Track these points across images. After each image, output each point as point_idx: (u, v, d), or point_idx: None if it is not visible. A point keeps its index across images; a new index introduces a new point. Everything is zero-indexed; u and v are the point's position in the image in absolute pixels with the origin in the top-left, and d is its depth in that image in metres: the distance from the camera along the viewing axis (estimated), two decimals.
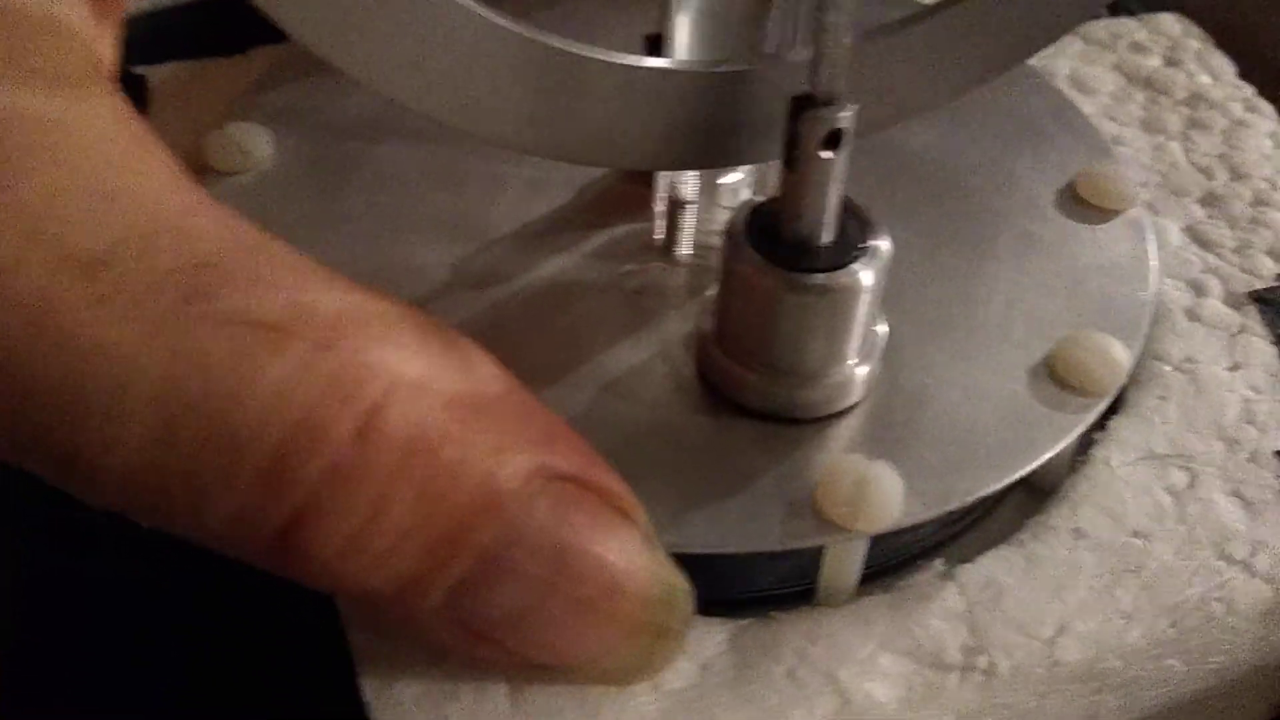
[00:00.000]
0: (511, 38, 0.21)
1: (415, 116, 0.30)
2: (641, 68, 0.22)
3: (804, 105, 0.21)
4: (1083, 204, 0.29)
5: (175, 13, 0.36)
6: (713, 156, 0.24)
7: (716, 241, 0.27)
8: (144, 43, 0.34)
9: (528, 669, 0.22)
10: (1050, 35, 0.26)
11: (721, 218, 0.27)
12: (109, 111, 0.19)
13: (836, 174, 0.22)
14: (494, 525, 0.19)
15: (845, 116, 0.21)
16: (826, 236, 0.23)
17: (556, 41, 0.21)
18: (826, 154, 0.22)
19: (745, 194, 0.28)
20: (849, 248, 0.23)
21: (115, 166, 0.18)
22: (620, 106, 0.22)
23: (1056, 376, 0.26)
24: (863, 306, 0.23)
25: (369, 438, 0.18)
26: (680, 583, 0.22)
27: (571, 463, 0.20)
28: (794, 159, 0.22)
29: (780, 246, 0.23)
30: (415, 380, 0.19)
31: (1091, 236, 0.29)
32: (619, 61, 0.22)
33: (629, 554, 0.21)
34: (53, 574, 0.24)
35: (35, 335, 0.17)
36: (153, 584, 0.24)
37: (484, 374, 0.20)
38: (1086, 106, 0.33)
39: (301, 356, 0.18)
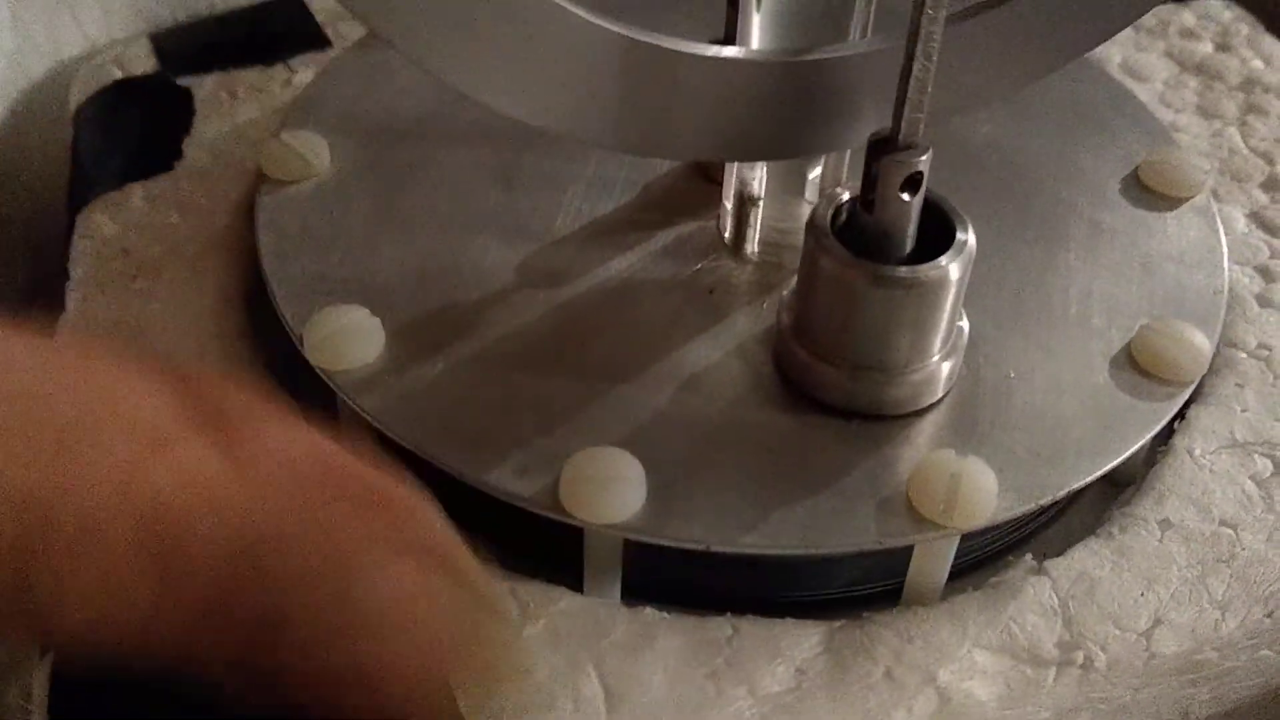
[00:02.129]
0: (608, 37, 0.21)
1: (468, 118, 0.30)
2: (734, 60, 0.22)
3: (883, 148, 0.21)
4: (1149, 192, 0.29)
5: (213, 23, 0.36)
6: (794, 147, 0.24)
7: (784, 239, 0.27)
8: (185, 54, 0.34)
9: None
10: (1118, 24, 0.25)
11: (790, 215, 0.27)
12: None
13: (915, 210, 0.22)
14: (218, 544, 0.16)
15: (924, 161, 0.21)
16: (911, 234, 0.23)
17: (650, 38, 0.21)
18: (905, 197, 0.22)
19: (812, 194, 0.27)
20: (934, 239, 0.23)
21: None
22: (711, 99, 0.22)
23: (1138, 365, 0.25)
24: (949, 300, 0.23)
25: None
26: (480, 579, 0.19)
27: (332, 467, 0.18)
28: (872, 201, 0.22)
29: (865, 238, 0.23)
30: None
31: (1160, 224, 0.28)
32: (714, 54, 0.22)
33: (401, 561, 0.18)
34: None
35: None
36: None
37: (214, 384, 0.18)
38: (1141, 94, 0.33)
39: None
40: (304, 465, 0.18)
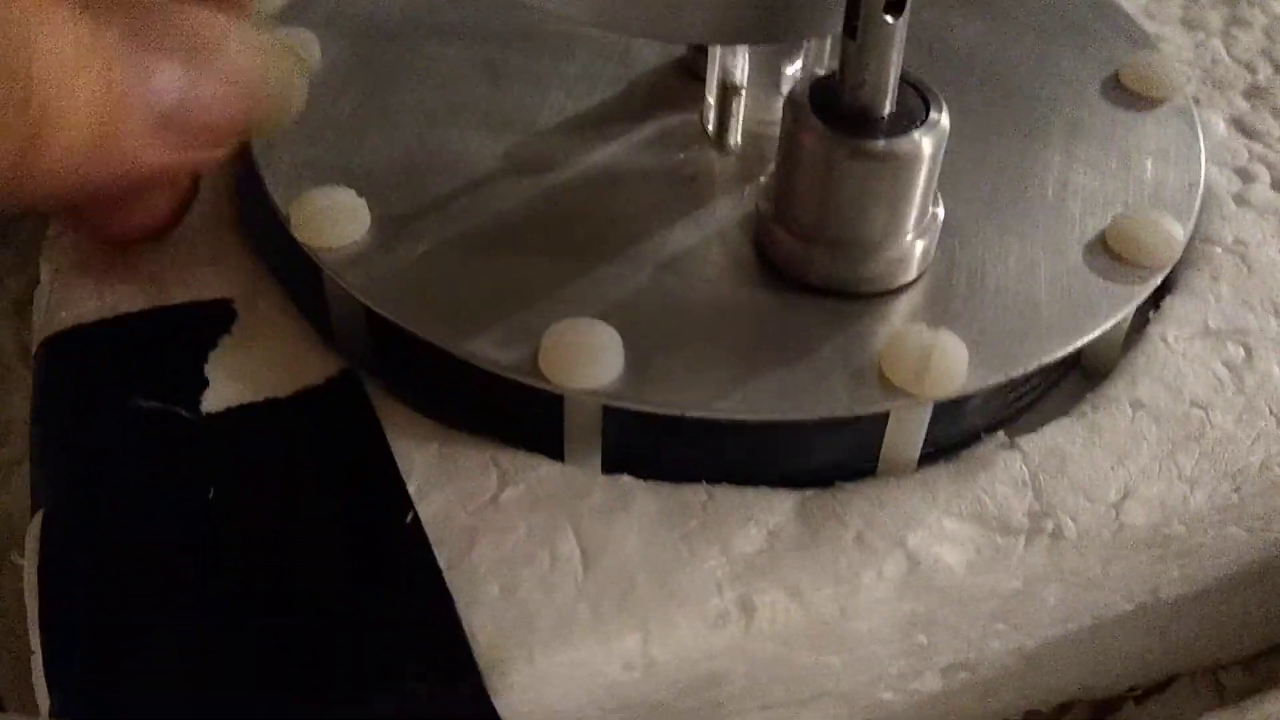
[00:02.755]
0: None
1: (456, 17, 0.30)
2: None
3: None
4: (1128, 93, 0.29)
5: None
6: (774, 28, 0.24)
7: (765, 131, 0.27)
8: None
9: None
10: None
11: (772, 109, 0.27)
12: None
13: (897, 40, 0.22)
14: None
15: None
16: (887, 107, 0.23)
17: None
18: (889, 18, 0.22)
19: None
20: (909, 118, 0.23)
21: None
22: None
23: (1112, 251, 0.26)
24: (923, 175, 0.23)
25: None
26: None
27: None
28: (856, 26, 0.22)
29: (842, 115, 0.23)
30: None
31: (1139, 122, 0.29)
32: None
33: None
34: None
35: None
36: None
37: None
38: (1126, 6, 0.33)
39: None
40: None
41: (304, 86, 0.25)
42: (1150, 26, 0.33)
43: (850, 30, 0.22)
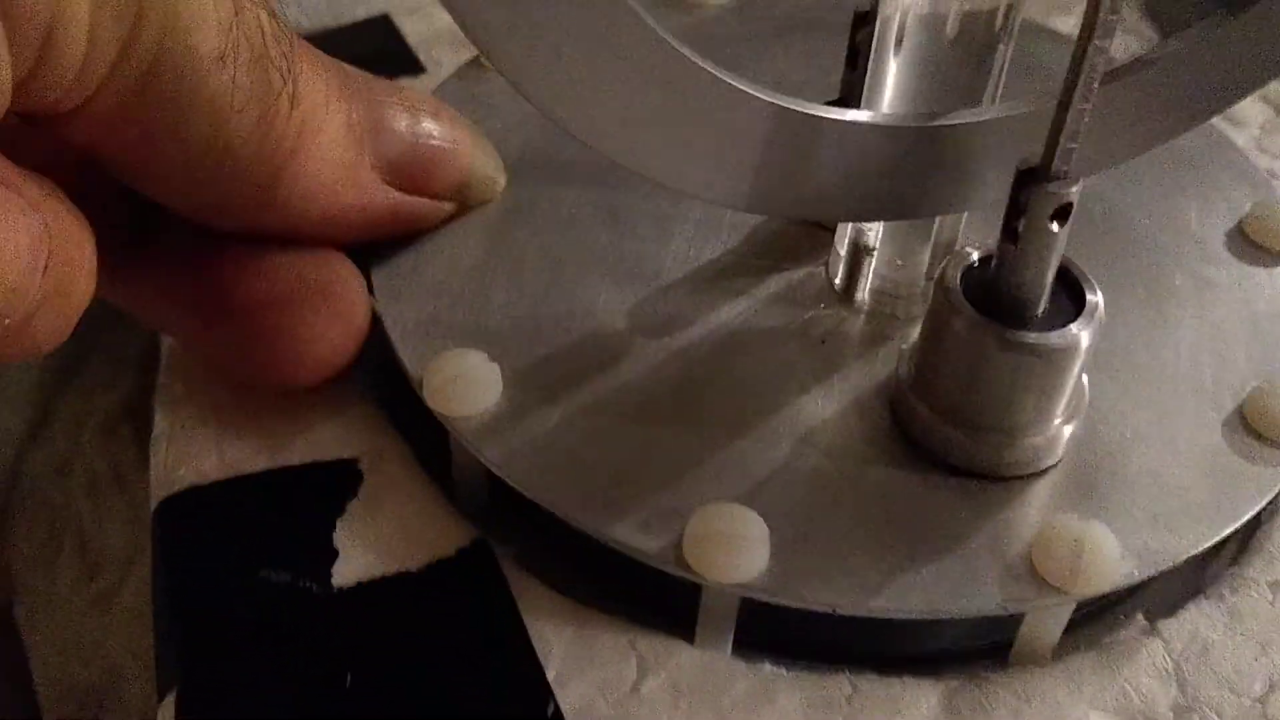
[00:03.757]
0: (756, 104, 0.21)
1: (571, 154, 0.30)
2: (879, 126, 0.22)
3: (1032, 178, 0.21)
4: (1253, 245, 0.29)
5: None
6: (921, 207, 0.24)
7: (895, 289, 0.27)
8: None
9: None
10: (1248, 88, 0.25)
11: (903, 265, 0.27)
12: None
13: (1059, 245, 0.22)
14: None
15: (1075, 192, 0.21)
16: (1044, 299, 0.23)
17: (795, 104, 0.21)
18: (1054, 228, 0.22)
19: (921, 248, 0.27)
20: (1064, 306, 0.23)
21: None
22: (847, 164, 0.22)
23: (1252, 429, 0.25)
24: (1077, 366, 0.23)
25: None
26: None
27: None
28: (1018, 231, 0.22)
29: (995, 301, 0.23)
30: None
31: (1267, 279, 0.28)
32: (853, 119, 0.22)
33: None
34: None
35: None
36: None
37: None
38: (1238, 139, 0.33)
39: None
40: None
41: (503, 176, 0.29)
42: (1264, 161, 0.33)
43: (1010, 235, 0.22)
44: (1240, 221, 0.29)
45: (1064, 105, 0.20)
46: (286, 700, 0.23)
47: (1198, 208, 0.30)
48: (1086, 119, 0.21)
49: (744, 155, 0.22)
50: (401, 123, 0.26)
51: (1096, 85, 0.20)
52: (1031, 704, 0.23)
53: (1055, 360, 0.23)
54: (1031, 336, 0.22)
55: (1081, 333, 0.23)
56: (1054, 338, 0.22)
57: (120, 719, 0.28)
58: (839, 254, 0.27)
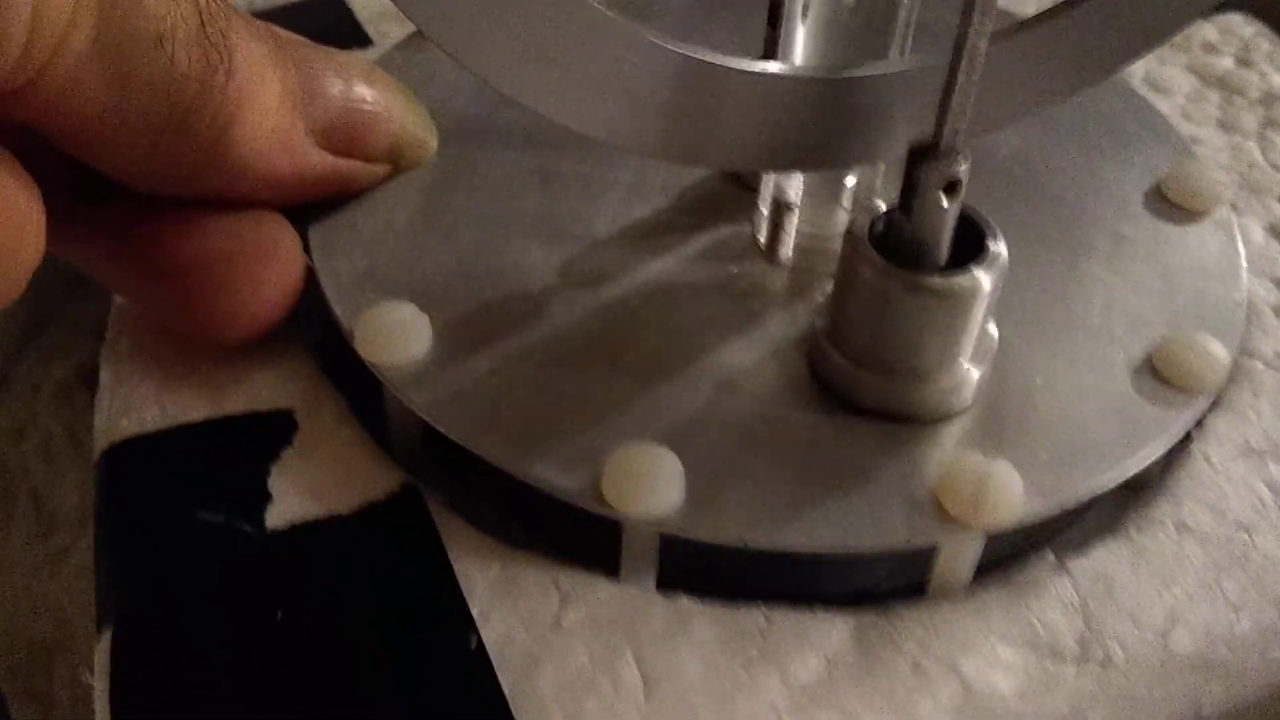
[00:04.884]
0: (658, 51, 0.22)
1: (508, 121, 0.31)
2: (784, 76, 0.23)
3: (923, 155, 0.22)
4: (1170, 205, 0.30)
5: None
6: (833, 158, 0.25)
7: (817, 246, 0.28)
8: None
9: None
10: (1152, 43, 0.26)
11: (824, 223, 0.28)
12: None
13: (952, 214, 0.23)
14: None
15: (964, 168, 0.22)
16: (946, 254, 0.24)
17: (699, 53, 0.22)
18: (944, 202, 0.23)
19: (846, 202, 0.28)
20: (969, 252, 0.24)
21: None
22: (757, 114, 0.23)
23: (1159, 375, 0.26)
24: (981, 308, 0.24)
25: None
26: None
27: None
28: (912, 206, 0.23)
29: (900, 248, 0.24)
30: None
31: (1181, 237, 0.29)
32: (761, 70, 0.23)
33: None
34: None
35: None
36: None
37: None
38: (1162, 107, 0.33)
39: None
40: None
41: (435, 139, 0.30)
42: (1188, 128, 0.33)
43: (905, 206, 0.23)
44: (1159, 182, 0.30)
45: (949, 88, 0.21)
46: (220, 636, 0.24)
47: (1116, 169, 0.31)
48: (972, 99, 0.21)
49: (653, 102, 0.22)
50: (334, 88, 0.27)
51: (980, 65, 0.21)
52: (939, 636, 0.24)
53: (958, 303, 0.23)
54: (934, 280, 0.23)
55: (982, 275, 0.23)
56: (956, 281, 0.23)
57: (69, 669, 0.29)
58: (762, 212, 0.28)
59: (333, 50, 0.28)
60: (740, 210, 0.29)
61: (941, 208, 0.23)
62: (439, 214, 0.29)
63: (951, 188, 0.22)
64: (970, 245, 0.24)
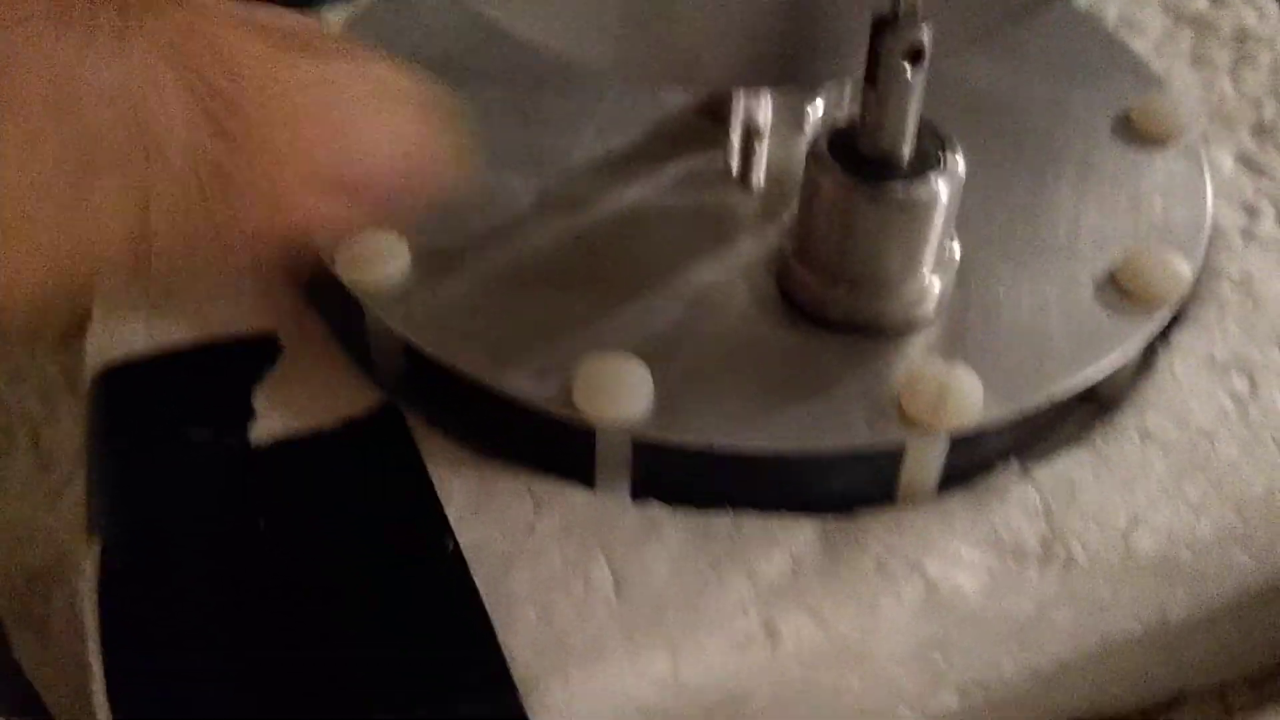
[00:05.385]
0: None
1: (490, 60, 0.32)
2: None
3: (886, 24, 0.23)
4: (1138, 134, 0.30)
5: None
6: (794, 74, 0.26)
7: (787, 172, 0.29)
8: None
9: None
10: None
11: (794, 150, 0.29)
12: None
13: (916, 88, 0.23)
14: None
15: (925, 33, 0.23)
16: (905, 152, 0.24)
17: None
18: (907, 68, 0.23)
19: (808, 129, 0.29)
20: (926, 163, 0.24)
21: None
22: (711, 25, 0.24)
23: (1122, 288, 0.27)
24: (939, 219, 0.24)
25: None
26: None
27: None
28: (876, 74, 0.23)
29: (861, 161, 0.24)
30: None
31: (1148, 162, 0.30)
32: None
33: None
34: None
35: None
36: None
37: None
38: (1137, 45, 0.34)
39: None
40: None
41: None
42: (1159, 64, 0.34)
43: (870, 78, 0.23)
44: (1127, 111, 0.31)
45: None
46: (206, 545, 0.24)
47: (1086, 100, 0.31)
48: None
49: (609, 13, 0.23)
50: (349, 140, 0.23)
51: None
52: (904, 538, 0.24)
53: (917, 211, 0.24)
54: (894, 188, 0.24)
55: (941, 184, 0.24)
56: (914, 189, 0.24)
57: (65, 596, 0.30)
58: (733, 140, 0.29)
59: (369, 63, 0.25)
60: (714, 141, 0.30)
61: (906, 79, 0.23)
62: None
63: (914, 57, 0.23)
64: (930, 161, 0.25)
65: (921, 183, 0.24)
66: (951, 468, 0.26)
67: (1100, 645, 0.27)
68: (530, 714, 0.22)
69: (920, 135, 0.24)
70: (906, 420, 0.24)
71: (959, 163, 0.24)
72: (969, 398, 0.24)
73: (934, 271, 0.25)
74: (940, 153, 0.24)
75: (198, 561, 0.24)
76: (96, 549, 0.24)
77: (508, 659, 0.23)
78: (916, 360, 0.25)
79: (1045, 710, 0.29)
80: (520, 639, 0.23)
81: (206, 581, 0.24)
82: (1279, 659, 0.30)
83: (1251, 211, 0.30)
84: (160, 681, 0.23)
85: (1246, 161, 0.32)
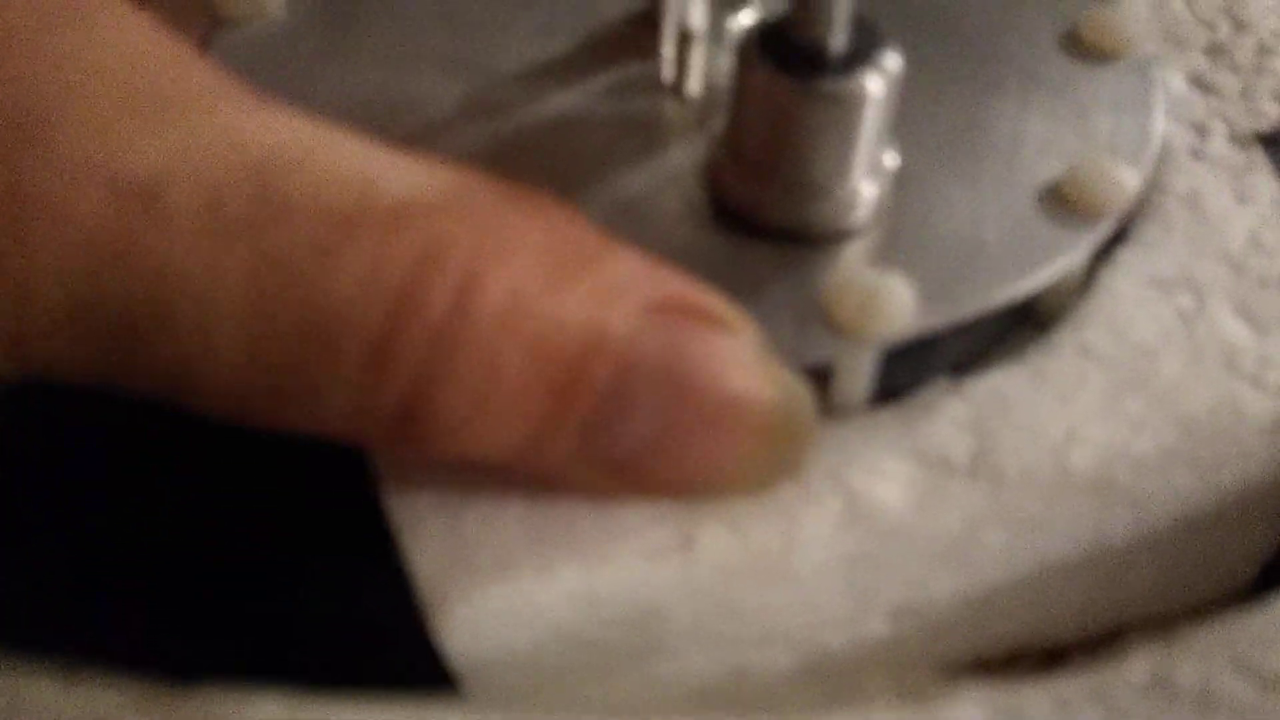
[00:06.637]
0: None
1: None
2: None
3: None
4: (1087, 46, 0.29)
5: None
6: None
7: (723, 82, 0.28)
8: None
9: (671, 495, 0.22)
10: None
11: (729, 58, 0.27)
12: (130, 21, 0.19)
13: (841, 20, 0.22)
14: (607, 364, 0.20)
15: None
16: (836, 46, 0.23)
17: None
18: None
19: None
20: (858, 59, 0.23)
21: (151, 78, 0.19)
22: None
23: (1065, 199, 0.26)
24: (871, 117, 0.23)
25: (466, 305, 0.19)
26: (797, 384, 0.22)
27: (672, 291, 0.21)
28: None
29: (791, 57, 0.23)
30: (499, 241, 0.19)
31: (1096, 76, 0.29)
32: None
33: (743, 367, 0.21)
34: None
35: (109, 265, 0.17)
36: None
37: (563, 223, 0.21)
38: None
39: (378, 239, 0.18)
40: None
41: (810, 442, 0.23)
42: None
43: None
44: (1075, 23, 0.30)
45: None
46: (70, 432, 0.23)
47: (1031, 13, 0.30)
48: None
49: None
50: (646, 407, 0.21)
51: None
52: (825, 450, 0.24)
53: (848, 107, 0.23)
54: (824, 84, 0.23)
55: (871, 80, 0.23)
56: (845, 84, 0.23)
57: None
58: (666, 45, 0.28)
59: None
60: (650, 50, 0.29)
61: None
62: (342, 52, 0.28)
63: None
64: (863, 57, 0.24)
65: (852, 77, 0.23)
66: (883, 386, 0.25)
67: (1036, 569, 0.26)
68: (435, 634, 0.21)
69: (855, 33, 0.23)
70: (835, 327, 0.23)
71: (894, 60, 0.23)
72: (900, 304, 0.23)
73: (867, 176, 0.24)
74: (874, 50, 0.23)
75: (75, 474, 0.23)
76: None
77: (411, 575, 0.22)
78: (848, 267, 0.24)
79: (981, 640, 0.28)
80: (425, 553, 0.22)
81: (83, 495, 0.23)
82: (1225, 591, 0.29)
83: (1201, 130, 0.29)
84: (29, 598, 0.22)
85: (1198, 81, 0.31)
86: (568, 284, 0.20)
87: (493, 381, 0.19)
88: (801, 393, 0.22)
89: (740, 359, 0.21)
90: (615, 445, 0.20)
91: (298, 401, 0.19)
